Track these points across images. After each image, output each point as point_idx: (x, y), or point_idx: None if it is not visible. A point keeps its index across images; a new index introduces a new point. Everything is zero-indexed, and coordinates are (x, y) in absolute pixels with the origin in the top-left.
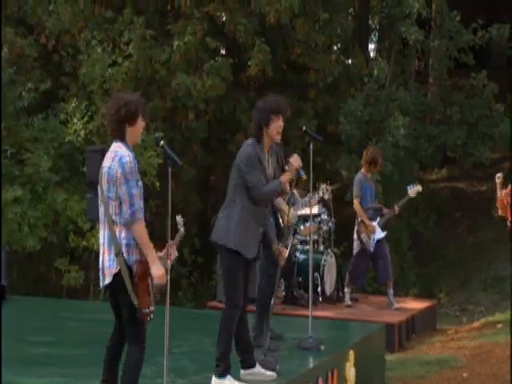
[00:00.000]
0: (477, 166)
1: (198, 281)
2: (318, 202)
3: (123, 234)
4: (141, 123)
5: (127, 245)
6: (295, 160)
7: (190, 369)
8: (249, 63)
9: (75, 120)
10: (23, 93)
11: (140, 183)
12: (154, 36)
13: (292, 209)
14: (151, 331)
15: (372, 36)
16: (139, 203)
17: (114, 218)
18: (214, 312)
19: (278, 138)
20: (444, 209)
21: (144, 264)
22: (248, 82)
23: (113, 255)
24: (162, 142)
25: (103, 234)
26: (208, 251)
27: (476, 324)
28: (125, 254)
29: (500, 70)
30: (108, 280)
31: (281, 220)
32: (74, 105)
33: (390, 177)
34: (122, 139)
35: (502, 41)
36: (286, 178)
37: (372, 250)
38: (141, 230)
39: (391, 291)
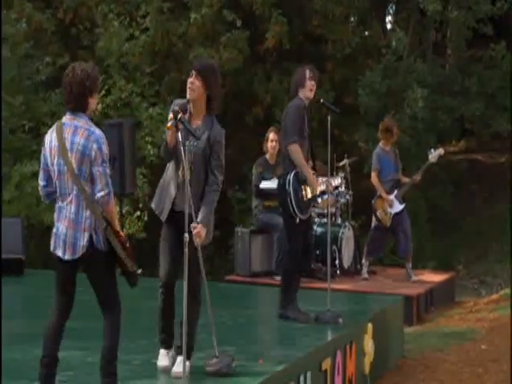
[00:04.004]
0: (495, 138)
1: (215, 254)
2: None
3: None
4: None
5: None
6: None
7: (207, 342)
8: (266, 35)
9: None
10: (40, 67)
11: None
12: (171, 9)
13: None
14: None
15: (389, 8)
16: (109, 185)
17: (88, 196)
18: (232, 285)
19: (188, 94)
20: (462, 181)
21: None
22: (265, 54)
23: (79, 233)
24: (180, 116)
25: (69, 209)
26: (224, 225)
27: (494, 296)
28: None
29: None
30: (74, 256)
31: (304, 192)
32: None
33: (408, 149)
34: (85, 110)
35: None
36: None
37: (388, 225)
38: (114, 206)
39: (410, 265)
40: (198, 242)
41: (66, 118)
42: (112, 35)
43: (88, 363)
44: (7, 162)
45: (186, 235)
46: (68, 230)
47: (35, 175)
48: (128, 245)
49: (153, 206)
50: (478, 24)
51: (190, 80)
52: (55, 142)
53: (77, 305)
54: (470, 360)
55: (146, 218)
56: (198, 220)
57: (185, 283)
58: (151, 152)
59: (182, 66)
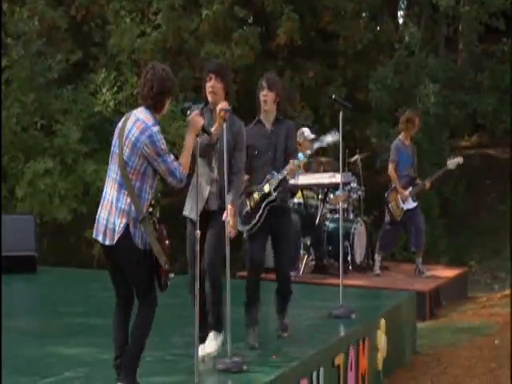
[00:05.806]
0: (508, 133)
1: None
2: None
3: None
4: None
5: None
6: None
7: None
8: (277, 32)
9: (104, 91)
10: (52, 64)
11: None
12: (183, 5)
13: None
14: (181, 301)
15: (400, 3)
16: (177, 164)
17: (136, 190)
18: (243, 282)
19: (210, 98)
20: (475, 176)
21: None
22: (276, 50)
23: (118, 219)
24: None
25: (112, 193)
26: None
27: (507, 291)
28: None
29: None
30: (109, 242)
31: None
32: (103, 75)
33: (420, 144)
34: (159, 111)
35: None
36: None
37: (399, 219)
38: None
39: (420, 260)
40: (231, 221)
41: (137, 110)
42: (123, 32)
43: (103, 360)
44: (20, 159)
45: (198, 232)
46: (109, 215)
47: (48, 172)
48: (167, 242)
49: (185, 213)
50: (490, 18)
51: (210, 84)
52: (120, 125)
53: (92, 302)
54: (483, 355)
55: (157, 215)
56: (229, 201)
57: (196, 272)
58: None
59: (194, 63)
